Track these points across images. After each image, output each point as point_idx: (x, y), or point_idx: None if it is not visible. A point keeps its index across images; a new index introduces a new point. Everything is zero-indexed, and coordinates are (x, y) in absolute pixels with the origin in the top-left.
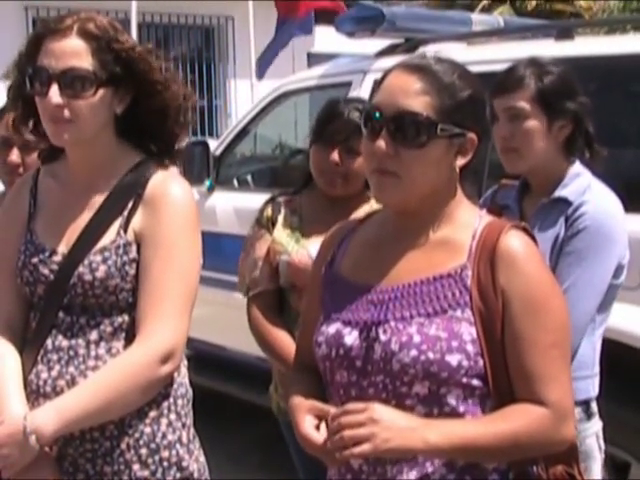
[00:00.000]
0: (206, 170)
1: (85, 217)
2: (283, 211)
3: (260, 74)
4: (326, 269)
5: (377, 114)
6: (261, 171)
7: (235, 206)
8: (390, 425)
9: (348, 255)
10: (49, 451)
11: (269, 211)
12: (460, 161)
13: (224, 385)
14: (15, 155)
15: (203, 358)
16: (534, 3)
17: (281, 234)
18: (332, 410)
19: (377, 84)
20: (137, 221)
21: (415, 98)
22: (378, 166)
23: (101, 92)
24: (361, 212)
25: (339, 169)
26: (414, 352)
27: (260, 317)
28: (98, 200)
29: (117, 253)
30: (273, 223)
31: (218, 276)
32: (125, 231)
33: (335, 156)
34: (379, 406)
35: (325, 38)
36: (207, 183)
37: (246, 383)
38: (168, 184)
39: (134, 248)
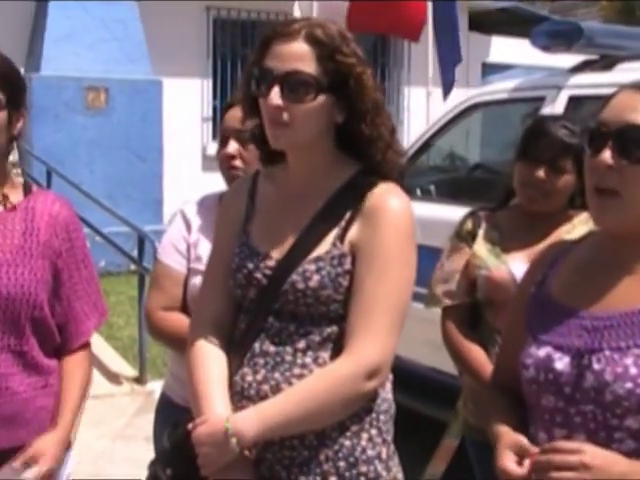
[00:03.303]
0: None
1: (300, 224)
2: (484, 225)
3: (445, 92)
4: (536, 289)
5: (602, 129)
6: (444, 182)
7: (418, 215)
8: (602, 473)
9: (560, 277)
10: (248, 454)
11: (469, 225)
12: None
13: (400, 396)
14: (231, 148)
15: None
16: None
17: (481, 248)
18: (535, 450)
19: (603, 104)
20: (354, 233)
21: None
22: (598, 183)
23: (321, 98)
24: (562, 231)
25: (544, 186)
26: (629, 385)
27: (455, 330)
28: (314, 208)
29: (332, 264)
30: (473, 237)
31: None
32: (341, 242)
33: (541, 173)
34: (592, 449)
35: (500, 48)
36: None
37: (420, 394)
38: (388, 197)
39: (349, 260)
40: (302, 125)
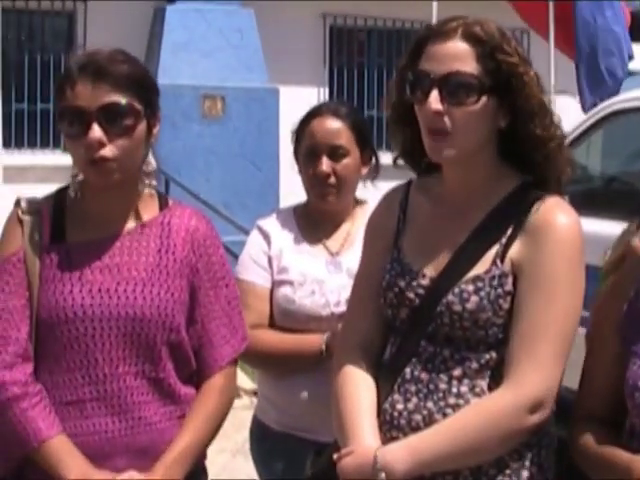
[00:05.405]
0: None
1: (457, 241)
2: None
3: (586, 106)
4: (630, 305)
5: None
6: (580, 193)
7: None
8: None
9: None
10: None
11: None
12: None
13: None
14: (325, 165)
15: None
16: None
17: None
18: None
19: None
20: (516, 251)
21: None
22: None
23: (484, 101)
24: None
25: None
26: None
27: None
28: (472, 224)
29: (491, 284)
30: None
31: None
32: (502, 261)
33: None
34: None
35: None
36: None
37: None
38: (554, 213)
39: (510, 280)
40: (465, 131)
